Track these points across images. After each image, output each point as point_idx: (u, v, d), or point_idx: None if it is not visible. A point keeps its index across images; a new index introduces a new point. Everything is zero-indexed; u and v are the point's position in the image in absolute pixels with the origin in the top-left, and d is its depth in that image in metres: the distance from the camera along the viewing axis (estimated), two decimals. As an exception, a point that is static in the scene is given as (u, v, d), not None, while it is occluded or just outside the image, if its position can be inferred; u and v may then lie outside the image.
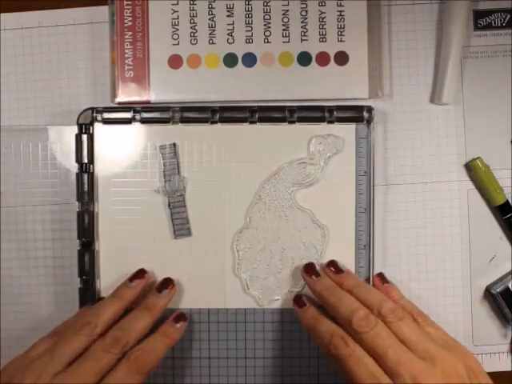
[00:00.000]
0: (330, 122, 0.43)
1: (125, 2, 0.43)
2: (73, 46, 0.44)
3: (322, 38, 0.43)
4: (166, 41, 0.43)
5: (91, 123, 0.43)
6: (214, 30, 0.43)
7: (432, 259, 0.44)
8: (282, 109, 0.43)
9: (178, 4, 0.43)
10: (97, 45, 0.44)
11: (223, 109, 0.43)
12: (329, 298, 0.39)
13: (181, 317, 0.42)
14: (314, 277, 0.41)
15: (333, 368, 0.44)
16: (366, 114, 0.42)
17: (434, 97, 0.44)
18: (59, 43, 0.44)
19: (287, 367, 0.44)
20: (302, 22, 0.43)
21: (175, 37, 0.43)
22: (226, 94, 0.43)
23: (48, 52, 0.44)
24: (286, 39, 0.43)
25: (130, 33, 0.43)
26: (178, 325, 0.41)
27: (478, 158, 0.44)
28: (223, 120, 0.43)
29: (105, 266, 0.44)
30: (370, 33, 0.43)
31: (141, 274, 0.42)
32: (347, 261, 0.43)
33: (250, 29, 0.43)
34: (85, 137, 0.43)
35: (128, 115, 0.43)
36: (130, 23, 0.43)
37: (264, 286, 0.44)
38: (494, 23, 0.44)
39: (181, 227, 0.44)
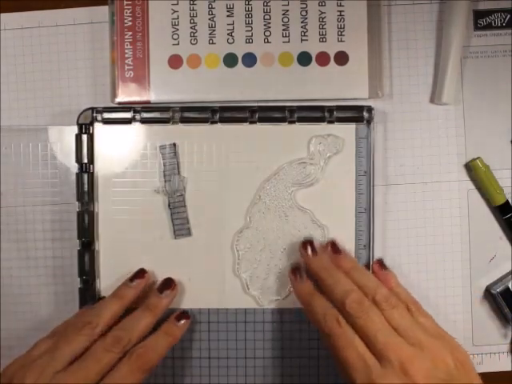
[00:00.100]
0: (330, 122, 0.43)
1: (125, 2, 0.43)
2: (73, 46, 0.44)
3: (322, 38, 0.43)
4: (166, 41, 0.43)
5: (91, 123, 0.43)
6: (214, 30, 0.43)
7: (432, 259, 0.44)
8: (282, 109, 0.43)
9: (177, 4, 0.43)
10: (97, 45, 0.44)
11: (223, 109, 0.43)
12: (325, 278, 0.39)
13: (183, 315, 0.42)
14: (310, 254, 0.41)
15: (333, 368, 0.44)
16: (365, 114, 0.43)
17: (434, 97, 0.44)
18: (59, 43, 0.44)
19: (287, 367, 0.44)
20: (301, 22, 0.43)
21: (175, 37, 0.43)
22: (226, 94, 0.43)
23: (48, 52, 0.44)
24: (286, 39, 0.43)
25: (130, 33, 0.43)
26: (180, 323, 0.41)
27: (478, 158, 0.44)
28: (223, 120, 0.43)
29: (105, 266, 0.44)
30: (370, 33, 0.43)
31: (141, 273, 0.42)
32: (347, 261, 0.43)
33: (250, 29, 0.43)
34: (85, 137, 0.43)
35: (128, 115, 0.43)
36: (130, 23, 0.43)
37: (264, 285, 0.44)
38: (494, 23, 0.44)
39: (181, 227, 0.44)
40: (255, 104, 0.43)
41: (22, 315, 0.45)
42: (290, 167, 0.44)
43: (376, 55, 0.43)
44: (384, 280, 0.41)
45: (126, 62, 0.43)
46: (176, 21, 0.43)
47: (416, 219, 0.44)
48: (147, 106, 0.43)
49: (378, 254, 0.44)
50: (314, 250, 0.41)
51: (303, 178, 0.44)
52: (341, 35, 0.43)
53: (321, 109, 0.43)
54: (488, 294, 0.44)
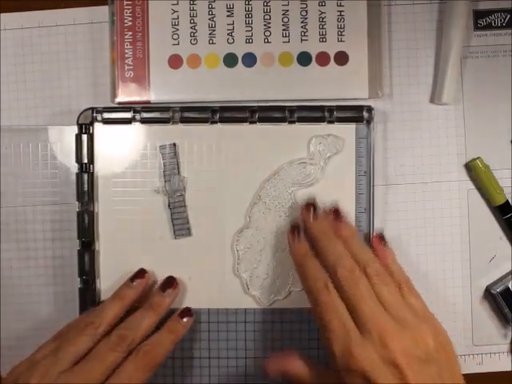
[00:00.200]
0: (330, 122, 0.43)
1: (125, 2, 0.43)
2: (73, 46, 0.44)
3: (322, 38, 0.43)
4: (166, 41, 0.43)
5: (91, 123, 0.43)
6: (214, 30, 0.43)
7: (432, 259, 0.44)
8: (282, 109, 0.43)
9: (177, 4, 0.43)
10: (97, 45, 0.44)
11: (223, 109, 0.43)
12: (321, 241, 0.39)
13: (186, 312, 0.42)
14: (311, 216, 0.41)
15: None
16: (365, 114, 0.42)
17: (434, 97, 0.44)
18: (59, 43, 0.44)
19: (287, 367, 0.44)
20: (302, 22, 0.43)
21: (175, 37, 0.43)
22: (226, 94, 0.43)
23: (48, 52, 0.44)
24: (286, 39, 0.43)
25: (130, 33, 0.43)
26: (184, 320, 0.41)
27: (478, 158, 0.44)
28: (223, 120, 0.43)
29: (105, 266, 0.44)
30: (370, 33, 0.43)
31: (141, 273, 0.42)
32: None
33: (250, 29, 0.43)
34: (85, 137, 0.43)
35: (128, 115, 0.43)
36: (130, 23, 0.43)
37: (264, 285, 0.44)
38: (494, 23, 0.44)
39: (181, 227, 0.44)
40: (255, 104, 0.43)
41: (21, 315, 0.45)
42: (290, 167, 0.44)
43: (376, 55, 0.43)
44: (382, 255, 0.40)
45: (126, 62, 0.43)
46: (176, 21, 0.43)
47: (416, 219, 0.44)
48: (147, 106, 0.43)
49: (378, 253, 0.44)
50: (315, 213, 0.41)
51: (303, 178, 0.44)
52: (341, 35, 0.43)
53: (321, 109, 0.43)
54: (488, 293, 0.44)
